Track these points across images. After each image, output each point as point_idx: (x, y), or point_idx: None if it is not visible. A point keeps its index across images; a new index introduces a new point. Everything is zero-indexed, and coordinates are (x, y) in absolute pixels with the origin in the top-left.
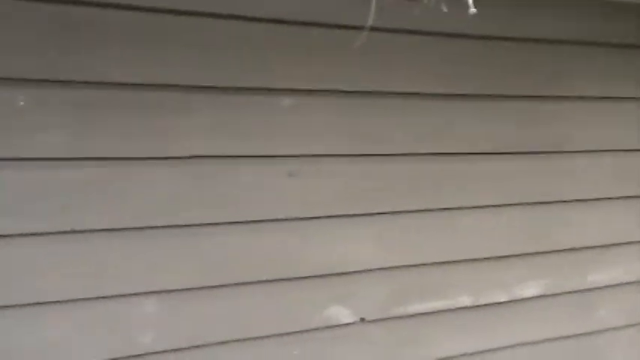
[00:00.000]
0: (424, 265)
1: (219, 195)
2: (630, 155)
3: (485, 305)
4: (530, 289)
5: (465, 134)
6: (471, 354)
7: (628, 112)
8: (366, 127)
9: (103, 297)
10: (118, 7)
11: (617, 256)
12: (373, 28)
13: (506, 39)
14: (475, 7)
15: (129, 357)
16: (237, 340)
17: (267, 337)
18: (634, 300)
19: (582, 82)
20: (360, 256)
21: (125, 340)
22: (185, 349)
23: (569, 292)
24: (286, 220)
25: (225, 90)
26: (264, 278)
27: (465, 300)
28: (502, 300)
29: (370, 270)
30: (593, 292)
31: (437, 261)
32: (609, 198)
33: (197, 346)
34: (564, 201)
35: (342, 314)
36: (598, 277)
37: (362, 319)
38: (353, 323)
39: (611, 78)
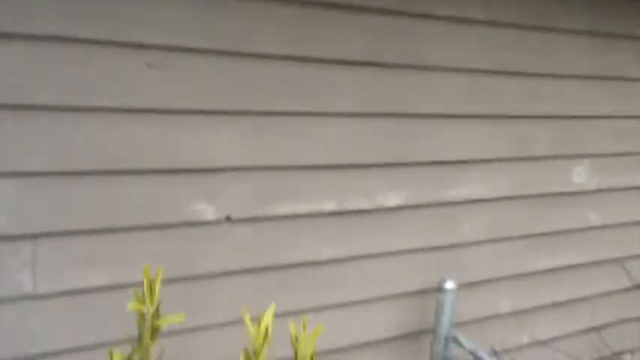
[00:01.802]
0: (289, 167)
1: (74, 79)
2: (485, 76)
3: (350, 212)
4: (392, 199)
5: (325, 41)
6: (337, 260)
7: (484, 36)
8: (233, 25)
9: None
10: None
11: (476, 173)
12: None
13: None
14: None
15: None
16: (95, 230)
17: (128, 229)
18: (495, 216)
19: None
20: (226, 154)
21: None
22: (42, 235)
23: (431, 205)
24: (147, 111)
25: None
26: (124, 168)
27: (330, 205)
28: (365, 207)
29: (236, 168)
30: (455, 207)
31: (302, 164)
32: (465, 116)
33: (56, 233)
34: (423, 115)
35: (207, 211)
36: (458, 191)
37: (227, 218)
38: (218, 221)
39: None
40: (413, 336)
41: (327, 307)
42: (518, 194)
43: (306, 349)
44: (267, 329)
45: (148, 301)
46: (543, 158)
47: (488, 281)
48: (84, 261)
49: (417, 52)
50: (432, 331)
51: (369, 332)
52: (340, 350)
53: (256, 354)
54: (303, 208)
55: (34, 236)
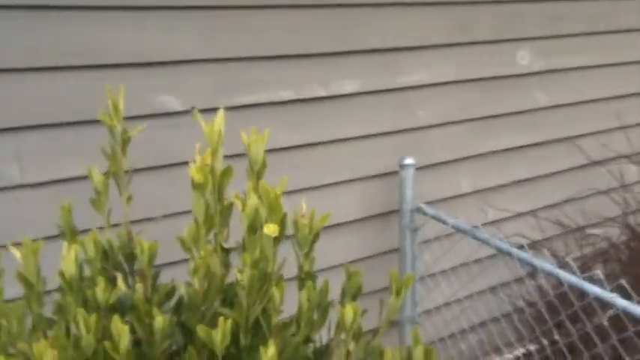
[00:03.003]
0: (247, 58)
1: None
2: None
3: (307, 100)
4: (347, 87)
5: None
6: (300, 146)
7: None
8: None
9: None
10: None
11: (424, 59)
12: None
13: None
14: None
15: None
16: (72, 123)
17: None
18: (446, 100)
19: None
20: (185, 46)
21: None
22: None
23: (385, 91)
24: (115, 8)
25: None
26: (90, 63)
27: (287, 94)
28: (322, 95)
29: (196, 60)
30: (407, 92)
31: (259, 55)
32: (410, 4)
33: (38, 126)
34: (370, 4)
35: (173, 103)
36: (409, 77)
37: (192, 108)
38: (184, 112)
39: None
40: (381, 216)
41: (294, 192)
42: (466, 78)
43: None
44: (220, 129)
45: (114, 118)
46: (486, 43)
47: (447, 163)
48: (66, 152)
49: None
50: (398, 206)
51: (339, 215)
52: None
53: (213, 151)
54: (261, 97)
55: (16, 129)
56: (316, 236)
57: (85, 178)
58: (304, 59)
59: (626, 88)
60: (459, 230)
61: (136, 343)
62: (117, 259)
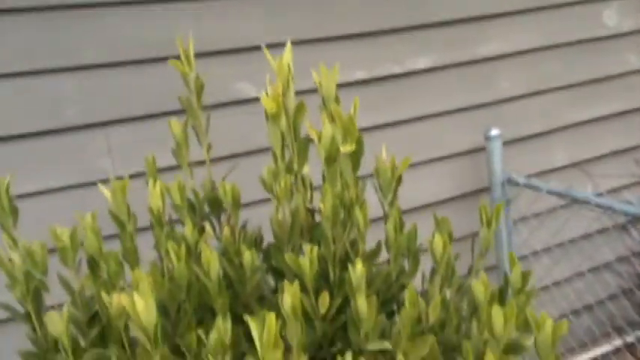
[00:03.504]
0: (319, 39)
1: None
2: None
3: (381, 78)
4: (422, 62)
5: None
6: (379, 125)
7: None
8: None
9: None
10: None
11: (501, 27)
12: None
13: None
14: None
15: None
16: (156, 115)
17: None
18: (530, 69)
19: None
20: (256, 31)
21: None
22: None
23: (462, 64)
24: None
25: None
26: (172, 54)
27: (361, 74)
28: (397, 72)
29: (268, 45)
30: (487, 64)
31: (331, 35)
32: None
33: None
34: None
35: (249, 89)
36: (487, 48)
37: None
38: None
39: None
40: (472, 194)
41: None
42: (549, 44)
43: None
44: (289, 62)
45: (186, 65)
46: (568, 5)
47: (537, 135)
48: (153, 143)
49: None
50: (488, 181)
51: (427, 195)
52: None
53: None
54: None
55: (105, 123)
56: (399, 181)
57: (173, 168)
58: (376, 37)
59: None
60: (554, 194)
61: (228, 286)
62: (203, 210)
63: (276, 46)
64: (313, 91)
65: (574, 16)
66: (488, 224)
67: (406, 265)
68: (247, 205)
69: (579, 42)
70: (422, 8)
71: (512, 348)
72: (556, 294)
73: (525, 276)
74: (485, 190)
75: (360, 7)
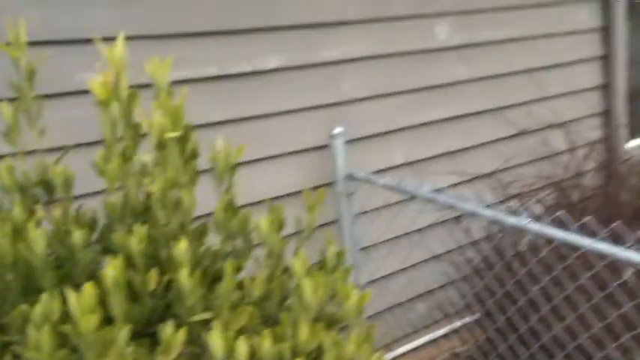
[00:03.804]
0: (170, 35)
1: None
2: None
3: (232, 75)
4: (272, 62)
5: None
6: (230, 120)
7: None
8: None
9: None
10: None
11: (345, 34)
12: None
13: None
14: None
15: None
16: None
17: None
18: (370, 74)
19: None
20: (102, 25)
21: None
22: None
23: (309, 66)
24: None
25: None
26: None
27: (212, 69)
28: (247, 70)
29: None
30: (332, 67)
31: (183, 32)
32: None
33: None
34: None
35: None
36: (332, 52)
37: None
38: None
39: None
40: (317, 189)
41: None
42: (388, 52)
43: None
44: (121, 53)
45: (17, 49)
46: (405, 18)
47: (377, 135)
48: None
49: None
50: (332, 176)
51: (273, 188)
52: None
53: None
54: (187, 73)
55: None
56: (234, 168)
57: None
58: (229, 36)
59: (548, 60)
60: (389, 188)
61: (59, 266)
62: (33, 192)
63: (128, 38)
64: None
65: (410, 28)
66: (311, 208)
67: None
68: (89, 194)
69: (414, 52)
70: (272, 11)
71: (325, 318)
72: (394, 282)
73: (340, 255)
74: (330, 184)
75: (215, 6)
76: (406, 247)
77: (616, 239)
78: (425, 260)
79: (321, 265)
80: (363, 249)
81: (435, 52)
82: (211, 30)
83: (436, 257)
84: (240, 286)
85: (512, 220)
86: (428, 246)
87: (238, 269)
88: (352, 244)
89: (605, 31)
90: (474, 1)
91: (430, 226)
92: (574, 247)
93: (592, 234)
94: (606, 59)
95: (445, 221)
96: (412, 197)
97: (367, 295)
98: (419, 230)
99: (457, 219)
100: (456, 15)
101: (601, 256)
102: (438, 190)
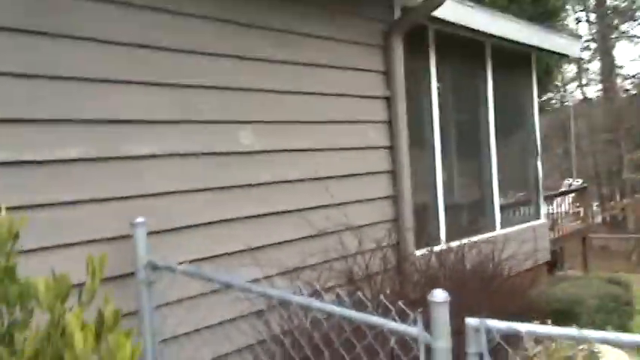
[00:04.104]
0: None
1: None
2: (143, 50)
3: (28, 162)
4: (72, 152)
5: None
6: (17, 208)
7: (140, 19)
8: None
9: None
10: None
11: (153, 132)
12: None
13: None
14: None
15: None
16: None
17: None
18: (174, 171)
19: None
20: None
21: None
22: None
23: (112, 159)
24: None
25: None
26: None
27: (5, 155)
28: (44, 158)
29: None
30: (134, 162)
31: None
32: (130, 82)
33: None
34: (93, 79)
35: None
36: (136, 147)
37: None
38: None
39: None
40: (118, 279)
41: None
42: (196, 151)
43: None
44: None
45: None
46: (213, 122)
47: (181, 228)
48: None
49: (72, 24)
50: (134, 265)
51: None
52: None
53: None
54: None
55: None
56: (16, 237)
57: None
58: (27, 124)
59: (344, 169)
60: (187, 274)
61: None
62: None
63: None
64: None
65: (217, 132)
66: (93, 275)
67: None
68: None
69: (218, 154)
70: (81, 105)
71: None
72: None
73: (115, 314)
74: (132, 274)
75: (8, 97)
76: (210, 339)
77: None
78: (228, 353)
79: (98, 321)
80: (165, 341)
81: (239, 155)
82: (10, 118)
83: (239, 350)
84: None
85: (301, 300)
86: (231, 338)
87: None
88: (152, 334)
89: (392, 149)
90: (276, 112)
91: (234, 319)
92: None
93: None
94: (393, 173)
95: (247, 315)
96: (212, 284)
97: (138, 347)
98: (221, 323)
99: (259, 313)
100: (259, 123)
101: (371, 327)
102: (238, 279)
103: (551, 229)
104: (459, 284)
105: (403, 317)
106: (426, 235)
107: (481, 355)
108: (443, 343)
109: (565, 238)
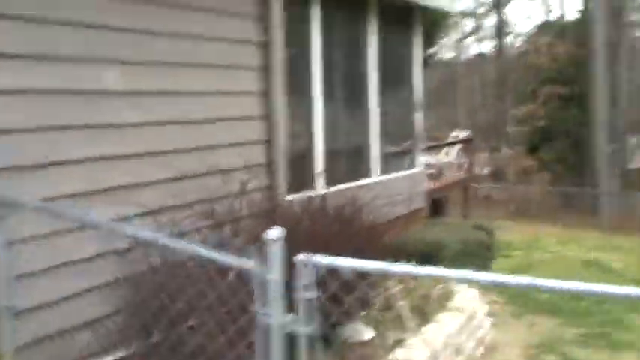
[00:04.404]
0: None
1: None
2: None
3: None
4: None
5: None
6: None
7: None
8: None
9: None
10: None
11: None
12: None
13: None
14: None
15: None
16: None
17: None
18: (41, 107)
19: None
20: None
21: None
22: None
23: None
24: None
25: None
26: None
27: None
28: None
29: None
30: None
31: None
32: None
33: None
34: None
35: None
36: None
37: None
38: None
39: None
40: None
41: None
42: (53, 88)
43: None
44: None
45: None
46: (74, 59)
47: (43, 165)
48: None
49: None
50: None
51: None
52: None
53: None
54: None
55: None
56: None
57: None
58: None
59: (216, 113)
60: (39, 210)
61: None
62: None
63: None
64: None
65: (79, 69)
66: None
67: None
68: None
69: (84, 92)
70: None
71: None
72: (56, 311)
73: None
74: None
75: None
76: (69, 276)
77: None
78: (88, 289)
79: None
80: (20, 276)
81: (104, 94)
82: None
83: (99, 287)
84: None
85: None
86: (90, 276)
87: None
88: (7, 269)
89: (266, 96)
90: (145, 52)
91: (92, 257)
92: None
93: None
94: (267, 118)
95: (105, 254)
96: (69, 223)
97: None
98: (83, 260)
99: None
100: (127, 64)
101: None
102: (89, 216)
103: (437, 178)
104: (319, 227)
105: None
106: (301, 180)
107: (308, 287)
108: (275, 275)
109: (449, 188)
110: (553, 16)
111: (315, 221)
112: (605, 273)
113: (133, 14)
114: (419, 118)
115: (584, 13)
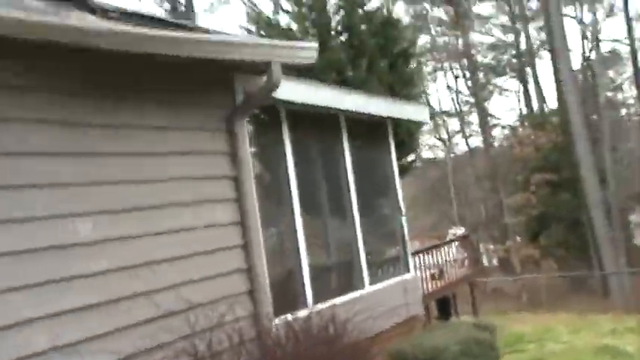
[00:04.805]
0: None
1: None
2: None
3: None
4: None
5: None
6: None
7: None
8: None
9: None
10: None
11: None
12: None
13: None
14: None
15: None
16: None
17: None
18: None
19: None
20: None
21: None
22: None
23: None
24: None
25: None
26: None
27: None
28: None
29: None
30: None
31: None
32: None
33: None
34: None
35: None
36: None
37: None
38: None
39: None
40: None
41: None
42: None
43: None
44: None
45: None
46: (45, 218)
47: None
48: None
49: None
50: None
51: None
52: None
53: None
54: None
55: None
56: None
57: None
58: None
59: (193, 248)
60: None
61: None
62: None
63: None
64: None
65: (55, 225)
66: None
67: None
68: None
69: (54, 247)
70: None
71: None
72: None
73: None
74: None
75: None
76: None
77: None
78: None
79: None
80: None
81: (77, 246)
82: None
83: None
84: None
85: None
86: None
87: None
88: None
89: (243, 226)
90: (114, 201)
91: None
92: None
93: None
94: (245, 247)
95: None
96: None
97: None
98: None
99: None
100: (97, 214)
101: None
102: None
103: (439, 278)
104: (302, 350)
105: None
106: (288, 300)
107: None
108: None
109: (453, 286)
110: (534, 106)
111: (299, 344)
112: (618, 358)
113: (102, 168)
114: (403, 222)
115: (561, 100)
